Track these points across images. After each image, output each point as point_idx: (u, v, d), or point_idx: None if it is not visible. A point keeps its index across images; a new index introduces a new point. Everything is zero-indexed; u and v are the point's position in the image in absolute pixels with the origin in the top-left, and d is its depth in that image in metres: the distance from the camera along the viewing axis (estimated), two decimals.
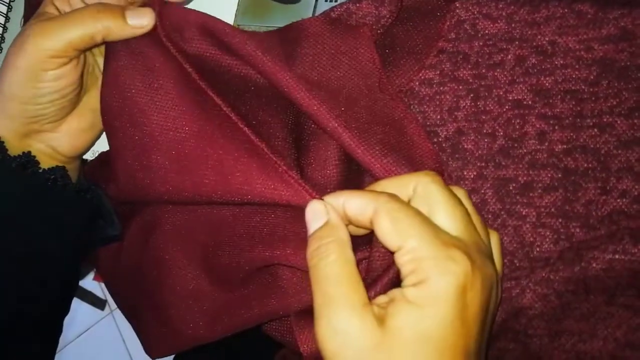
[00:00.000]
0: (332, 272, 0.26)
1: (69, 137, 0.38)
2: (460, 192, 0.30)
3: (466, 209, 0.28)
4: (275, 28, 0.45)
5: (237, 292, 0.36)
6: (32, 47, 0.33)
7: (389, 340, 0.24)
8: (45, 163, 0.37)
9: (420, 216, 0.26)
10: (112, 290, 0.43)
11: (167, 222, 0.38)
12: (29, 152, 0.36)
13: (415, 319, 0.24)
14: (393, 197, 0.27)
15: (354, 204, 0.27)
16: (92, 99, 0.39)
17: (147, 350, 0.40)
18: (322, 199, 0.29)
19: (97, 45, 0.36)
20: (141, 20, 0.34)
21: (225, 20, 0.37)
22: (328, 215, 0.27)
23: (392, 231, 0.25)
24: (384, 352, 0.24)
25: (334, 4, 0.42)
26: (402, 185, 0.29)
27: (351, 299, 0.25)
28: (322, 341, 0.25)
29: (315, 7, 0.44)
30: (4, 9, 0.55)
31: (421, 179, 0.28)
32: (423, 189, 0.28)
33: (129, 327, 0.41)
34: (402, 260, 0.25)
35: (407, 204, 0.27)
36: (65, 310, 0.41)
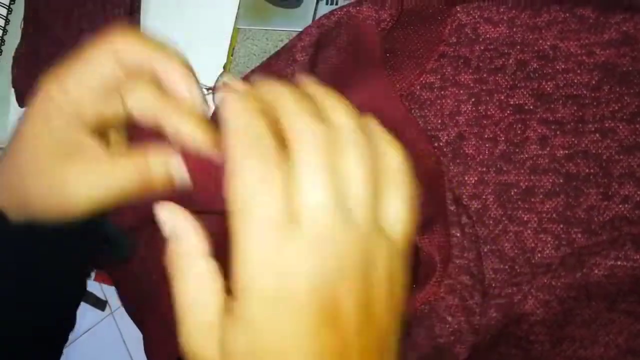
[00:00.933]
0: (182, 287, 0.23)
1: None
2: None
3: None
4: (275, 31, 0.45)
5: None
6: (64, 186, 0.28)
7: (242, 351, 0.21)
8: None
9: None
10: (120, 295, 0.43)
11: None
12: (30, 223, 0.31)
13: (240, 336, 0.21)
14: None
15: None
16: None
17: (149, 356, 0.40)
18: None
19: None
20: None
21: (226, 23, 0.36)
22: (176, 223, 0.24)
23: None
24: None
25: (334, 7, 0.42)
26: None
27: (198, 316, 0.23)
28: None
29: (315, 10, 0.44)
30: (3, 11, 0.55)
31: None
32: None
33: (129, 328, 0.41)
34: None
35: None
36: (72, 325, 0.41)
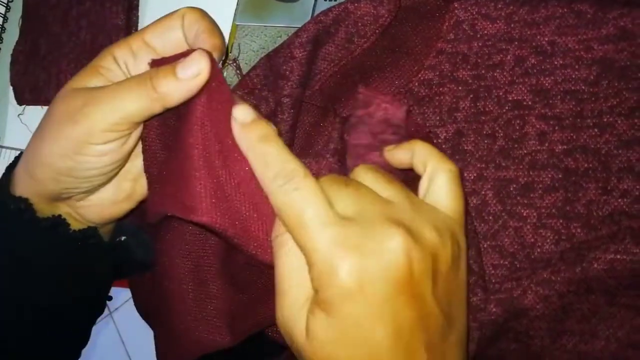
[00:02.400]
0: (286, 263, 0.27)
1: (99, 208, 0.34)
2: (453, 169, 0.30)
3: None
4: (274, 27, 0.45)
5: (247, 293, 0.36)
6: (83, 118, 0.29)
7: (309, 345, 0.25)
8: (74, 226, 0.33)
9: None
10: (136, 301, 0.43)
11: (174, 231, 0.38)
12: (59, 215, 0.32)
13: (322, 323, 0.25)
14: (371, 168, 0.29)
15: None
16: (135, 168, 0.34)
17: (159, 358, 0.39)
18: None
19: (156, 115, 0.31)
20: (192, 70, 0.28)
21: (225, 19, 0.36)
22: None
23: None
24: (330, 340, 0.24)
25: (333, 3, 0.42)
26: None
27: (297, 292, 0.26)
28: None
29: (314, 6, 0.44)
30: (2, 9, 0.55)
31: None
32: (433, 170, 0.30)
33: (128, 329, 0.41)
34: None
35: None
36: (85, 340, 0.40)
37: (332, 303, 0.24)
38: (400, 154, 0.32)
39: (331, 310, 0.24)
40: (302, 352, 0.25)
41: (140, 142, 0.33)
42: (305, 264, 0.25)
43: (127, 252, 0.38)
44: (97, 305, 0.39)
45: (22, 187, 0.31)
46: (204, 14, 0.31)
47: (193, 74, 0.28)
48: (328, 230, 0.24)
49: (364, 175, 0.28)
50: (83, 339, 0.39)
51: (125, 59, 0.31)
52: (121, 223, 0.38)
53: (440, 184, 0.29)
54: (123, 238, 0.38)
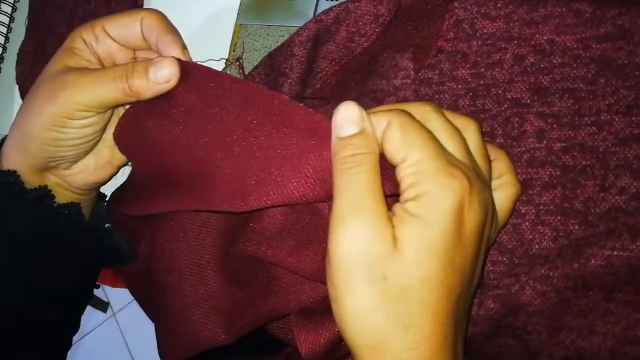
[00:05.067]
0: (366, 180, 0.26)
1: (84, 175, 0.38)
2: (471, 124, 0.30)
3: (464, 139, 0.29)
4: (277, 26, 0.46)
5: (245, 290, 0.36)
6: (63, 98, 0.32)
7: (398, 251, 0.25)
8: (61, 195, 0.37)
9: (429, 132, 0.27)
10: (137, 297, 0.44)
11: (171, 227, 0.38)
12: (46, 186, 0.36)
13: (419, 231, 0.24)
14: (405, 112, 0.27)
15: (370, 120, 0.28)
16: (110, 136, 0.38)
17: (161, 356, 0.40)
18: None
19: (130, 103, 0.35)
20: (163, 73, 0.32)
21: (228, 19, 0.37)
22: (364, 124, 0.27)
23: (400, 142, 0.26)
24: (394, 263, 0.24)
25: (335, 2, 0.43)
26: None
27: (378, 209, 0.25)
28: (338, 244, 0.25)
29: (316, 5, 0.44)
30: (8, 9, 0.56)
31: (420, 107, 0.29)
32: (422, 116, 0.28)
33: (131, 330, 0.41)
34: (404, 173, 0.26)
35: (418, 120, 0.27)
36: (76, 327, 0.42)
37: (434, 215, 0.25)
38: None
39: (428, 223, 0.25)
40: (386, 265, 0.25)
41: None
42: (380, 186, 0.26)
43: (110, 240, 0.40)
44: (84, 291, 0.40)
45: (12, 161, 0.35)
46: (161, 17, 0.35)
47: (163, 78, 0.32)
48: (447, 153, 0.27)
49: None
50: (72, 324, 0.41)
51: (90, 40, 0.35)
52: (101, 215, 0.41)
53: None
54: (107, 225, 0.40)
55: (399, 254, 0.24)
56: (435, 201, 0.25)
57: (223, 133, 0.32)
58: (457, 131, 0.28)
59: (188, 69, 0.34)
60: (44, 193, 0.35)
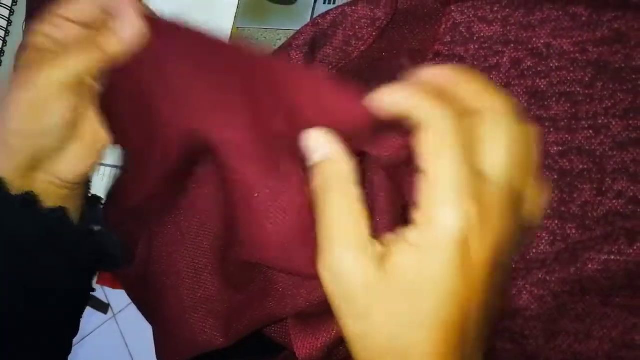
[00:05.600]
0: (331, 207, 0.25)
1: (71, 164, 0.37)
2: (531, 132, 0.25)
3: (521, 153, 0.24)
4: (274, 29, 0.46)
5: (243, 293, 0.36)
6: (37, 80, 0.32)
7: (386, 280, 0.23)
8: (51, 194, 0.36)
9: (463, 148, 0.23)
10: (135, 300, 0.44)
11: (169, 230, 0.38)
12: (31, 192, 0.35)
13: (413, 262, 0.23)
14: (448, 113, 0.23)
15: (397, 105, 0.24)
16: (89, 120, 0.38)
17: (159, 359, 0.40)
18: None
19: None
20: (126, 24, 0.32)
21: (225, 22, 0.37)
22: (329, 148, 0.26)
23: (426, 152, 0.23)
24: (378, 293, 0.23)
25: (332, 6, 0.43)
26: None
27: (348, 235, 0.24)
28: (322, 280, 0.24)
29: (314, 8, 0.44)
30: (5, 12, 0.56)
31: (492, 104, 0.24)
32: (491, 117, 0.24)
33: (132, 331, 0.41)
34: (418, 185, 0.23)
35: (457, 125, 0.23)
36: (75, 330, 0.42)
37: (434, 242, 0.22)
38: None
39: (424, 251, 0.22)
40: (371, 286, 0.23)
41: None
42: (351, 208, 0.24)
43: (102, 243, 0.40)
44: (80, 294, 0.40)
45: None
46: None
47: (129, 29, 0.31)
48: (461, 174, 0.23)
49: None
50: (71, 326, 0.41)
51: (50, 32, 0.34)
52: (93, 218, 0.41)
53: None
54: (98, 228, 0.40)
55: (386, 283, 0.23)
56: (437, 233, 0.22)
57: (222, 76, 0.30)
58: (511, 145, 0.24)
59: (153, 22, 0.33)
60: (30, 198, 0.35)
